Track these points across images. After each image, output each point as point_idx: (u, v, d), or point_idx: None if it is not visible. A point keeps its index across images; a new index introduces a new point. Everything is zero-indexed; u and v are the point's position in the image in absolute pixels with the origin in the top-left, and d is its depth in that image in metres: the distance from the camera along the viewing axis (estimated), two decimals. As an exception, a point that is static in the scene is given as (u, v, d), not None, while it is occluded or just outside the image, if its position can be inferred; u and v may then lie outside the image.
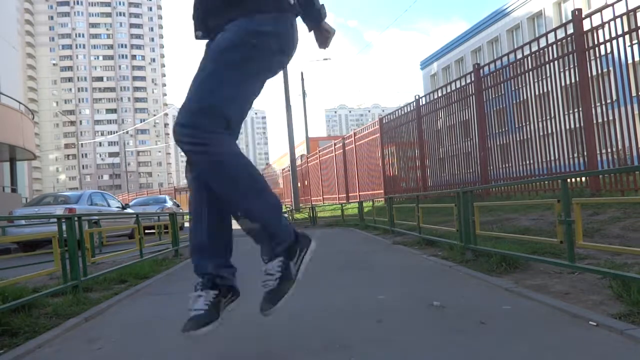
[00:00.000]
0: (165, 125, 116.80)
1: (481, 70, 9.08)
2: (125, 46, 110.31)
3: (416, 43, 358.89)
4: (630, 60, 5.78)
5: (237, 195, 1.75)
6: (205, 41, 1.91)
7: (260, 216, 1.76)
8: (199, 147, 1.68)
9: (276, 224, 1.79)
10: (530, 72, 7.55)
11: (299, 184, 20.79)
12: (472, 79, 9.21)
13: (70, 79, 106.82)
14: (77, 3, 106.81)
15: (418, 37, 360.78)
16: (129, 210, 11.45)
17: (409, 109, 12.33)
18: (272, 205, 1.79)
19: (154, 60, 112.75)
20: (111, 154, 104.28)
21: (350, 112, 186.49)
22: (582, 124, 6.50)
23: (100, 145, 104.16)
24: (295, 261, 1.80)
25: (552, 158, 7.15)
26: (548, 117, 7.24)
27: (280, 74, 1.98)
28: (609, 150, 6.19)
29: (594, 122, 6.35)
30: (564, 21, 11.64)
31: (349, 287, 3.30)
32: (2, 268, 3.47)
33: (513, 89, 8.17)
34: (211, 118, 1.68)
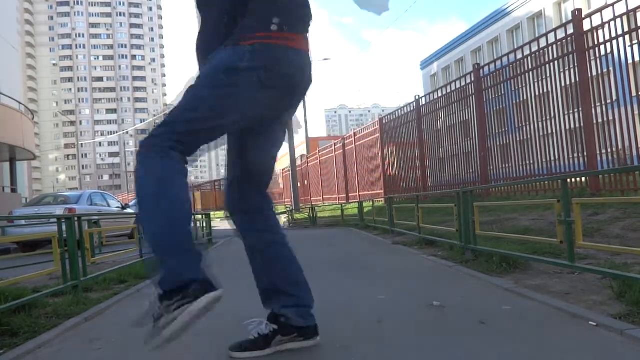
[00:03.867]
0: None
1: (481, 71, 9.08)
2: (125, 46, 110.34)
3: (414, 43, 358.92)
4: (630, 61, 5.78)
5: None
6: None
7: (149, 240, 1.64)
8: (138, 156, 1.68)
9: (159, 257, 1.62)
10: (530, 73, 7.55)
11: (298, 184, 20.78)
12: (472, 79, 9.21)
13: (70, 79, 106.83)
14: (77, 3, 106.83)
15: (416, 37, 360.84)
16: (128, 211, 11.45)
17: (409, 109, 12.33)
18: (155, 236, 1.62)
19: (154, 60, 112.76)
20: (111, 154, 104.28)
21: (350, 112, 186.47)
22: (582, 124, 6.50)
23: (100, 145, 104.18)
24: (168, 304, 1.59)
25: (552, 158, 7.15)
26: (548, 118, 7.24)
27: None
28: (609, 150, 6.19)
29: (594, 122, 6.35)
30: (564, 21, 11.64)
31: (348, 287, 3.30)
32: (2, 268, 3.46)
33: (513, 89, 8.17)
34: (162, 135, 1.65)
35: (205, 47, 1.81)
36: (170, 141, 1.63)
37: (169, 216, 1.60)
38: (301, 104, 2.05)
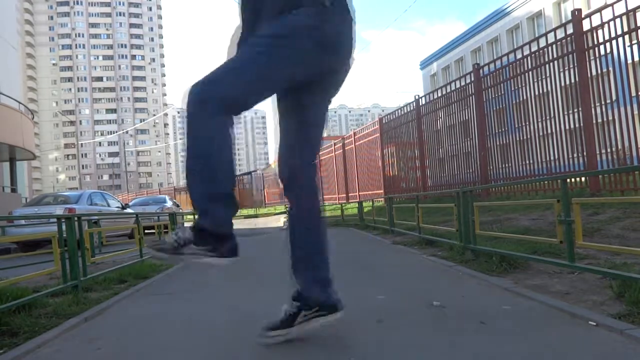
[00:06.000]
0: (165, 125, 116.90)
1: (481, 70, 9.08)
2: (125, 46, 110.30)
3: (412, 43, 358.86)
4: (629, 60, 5.78)
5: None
6: None
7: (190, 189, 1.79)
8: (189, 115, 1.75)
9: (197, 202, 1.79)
10: (530, 72, 7.55)
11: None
12: (472, 79, 9.21)
13: (70, 79, 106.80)
14: (77, 3, 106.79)
15: (414, 37, 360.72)
16: (128, 210, 11.45)
17: (408, 109, 12.32)
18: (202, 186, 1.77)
19: (153, 60, 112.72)
20: (111, 154, 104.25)
21: (349, 112, 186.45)
22: (581, 124, 6.50)
23: (100, 145, 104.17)
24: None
25: (552, 158, 7.15)
26: (548, 117, 7.24)
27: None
28: (609, 150, 6.19)
29: (594, 122, 6.36)
30: (563, 21, 11.64)
31: (348, 287, 3.29)
32: (2, 268, 3.47)
33: (513, 89, 8.17)
34: (215, 91, 1.74)
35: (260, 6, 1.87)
36: (224, 101, 1.73)
37: (222, 173, 1.77)
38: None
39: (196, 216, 1.81)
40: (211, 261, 1.79)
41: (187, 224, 1.67)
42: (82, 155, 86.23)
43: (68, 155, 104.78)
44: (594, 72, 6.31)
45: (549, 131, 7.24)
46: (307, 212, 2.07)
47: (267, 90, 1.89)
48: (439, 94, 10.80)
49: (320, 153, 19.85)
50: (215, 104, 1.72)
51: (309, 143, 2.06)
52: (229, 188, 1.80)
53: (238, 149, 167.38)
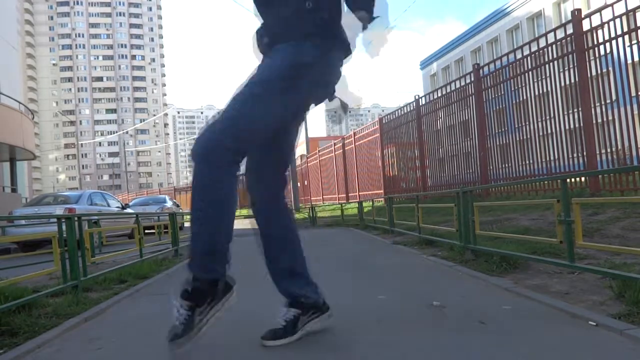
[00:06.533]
0: (165, 125, 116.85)
1: (481, 71, 9.08)
2: (125, 46, 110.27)
3: (412, 42, 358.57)
4: (629, 60, 5.78)
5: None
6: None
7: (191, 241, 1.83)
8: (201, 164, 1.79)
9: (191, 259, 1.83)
10: (530, 72, 7.56)
11: (298, 184, 20.78)
12: (472, 79, 9.21)
13: (70, 79, 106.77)
14: (77, 3, 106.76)
15: (414, 37, 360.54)
16: (128, 210, 11.45)
17: (408, 109, 12.33)
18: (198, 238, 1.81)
19: (153, 60, 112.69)
20: (111, 154, 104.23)
21: (350, 112, 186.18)
22: (581, 124, 6.50)
23: (100, 145, 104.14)
24: (201, 310, 1.80)
25: (552, 158, 7.15)
26: (548, 117, 7.24)
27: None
28: (609, 150, 6.19)
29: (594, 122, 6.36)
30: (563, 21, 11.64)
31: (348, 287, 3.30)
32: (2, 268, 3.47)
33: (513, 89, 8.17)
34: (227, 148, 1.77)
35: (279, 30, 1.94)
36: (232, 150, 1.78)
37: (222, 224, 1.81)
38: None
39: (189, 277, 1.82)
40: (217, 311, 1.82)
41: (176, 296, 1.70)
42: (82, 155, 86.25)
43: (68, 155, 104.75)
44: (593, 72, 6.31)
45: (549, 131, 7.24)
46: (282, 230, 2.10)
47: (269, 133, 1.93)
48: (439, 94, 10.80)
49: (320, 153, 19.82)
50: (220, 154, 1.76)
51: (277, 167, 2.10)
52: (229, 242, 1.83)
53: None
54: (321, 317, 2.08)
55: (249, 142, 1.84)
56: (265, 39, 2.00)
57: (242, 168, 1.95)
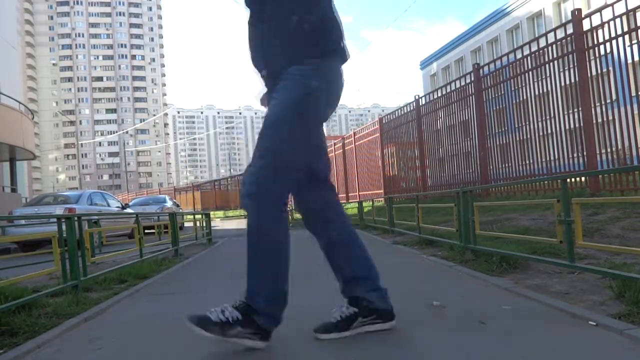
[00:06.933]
0: (165, 125, 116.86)
1: (481, 70, 9.08)
2: (125, 46, 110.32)
3: (412, 42, 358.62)
4: (630, 60, 5.78)
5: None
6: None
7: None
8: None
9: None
10: (530, 72, 7.56)
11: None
12: (472, 79, 9.21)
13: (70, 79, 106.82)
14: (77, 3, 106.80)
15: (414, 37, 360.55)
16: (128, 210, 11.45)
17: (408, 109, 12.33)
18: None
19: (153, 60, 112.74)
20: (111, 154, 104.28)
21: (349, 112, 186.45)
22: (581, 124, 6.50)
23: (100, 145, 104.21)
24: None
25: (552, 158, 7.15)
26: (548, 117, 7.24)
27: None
28: (609, 150, 6.19)
29: (594, 122, 6.36)
30: (563, 21, 11.64)
31: (348, 287, 3.30)
32: (2, 268, 3.47)
33: (513, 89, 8.17)
34: (272, 186, 1.86)
35: (269, 51, 1.99)
36: (281, 195, 1.89)
37: (284, 268, 1.92)
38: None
39: (246, 299, 1.88)
40: (253, 344, 1.86)
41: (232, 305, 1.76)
42: (82, 155, 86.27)
43: (68, 155, 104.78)
44: (594, 72, 6.31)
45: (549, 131, 7.24)
46: (344, 235, 2.14)
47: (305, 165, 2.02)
48: (439, 94, 10.80)
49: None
50: (271, 200, 1.86)
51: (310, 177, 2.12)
52: (287, 284, 1.91)
53: (238, 149, 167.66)
54: (381, 325, 2.04)
55: (292, 183, 1.96)
56: (264, 72, 2.03)
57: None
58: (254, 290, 1.87)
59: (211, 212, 13.40)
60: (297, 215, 13.82)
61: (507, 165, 8.39)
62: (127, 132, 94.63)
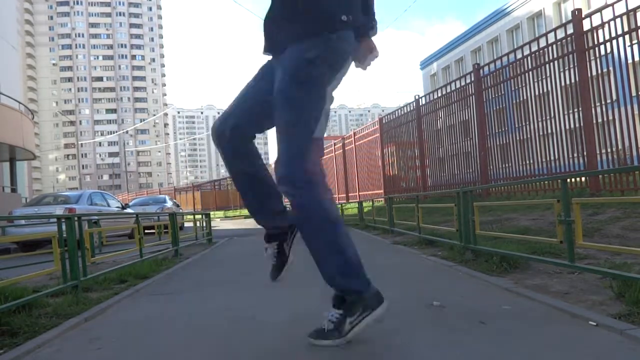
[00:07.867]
0: (165, 125, 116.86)
1: (481, 70, 9.08)
2: (125, 46, 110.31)
3: (412, 42, 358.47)
4: (630, 60, 5.78)
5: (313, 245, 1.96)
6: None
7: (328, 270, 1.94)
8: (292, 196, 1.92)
9: (344, 282, 1.93)
10: (530, 72, 7.56)
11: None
12: (472, 79, 9.21)
13: (70, 79, 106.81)
14: (77, 3, 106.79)
15: (413, 37, 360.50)
16: (128, 210, 11.45)
17: (408, 109, 12.33)
18: (343, 262, 1.93)
19: (153, 60, 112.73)
20: (111, 154, 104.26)
21: (349, 112, 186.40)
22: (581, 124, 6.50)
23: (100, 145, 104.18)
24: (352, 320, 1.91)
25: (552, 158, 7.15)
26: (548, 117, 7.24)
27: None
28: (609, 150, 6.19)
29: (594, 122, 6.36)
30: (563, 21, 11.64)
31: (349, 287, 3.30)
32: (2, 268, 3.47)
33: (513, 89, 8.17)
34: (301, 169, 1.88)
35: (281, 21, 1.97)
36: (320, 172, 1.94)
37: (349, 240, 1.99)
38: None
39: (337, 292, 1.94)
40: (372, 317, 1.93)
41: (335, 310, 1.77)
42: (82, 155, 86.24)
43: (68, 155, 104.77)
44: (594, 72, 6.31)
45: (549, 131, 7.24)
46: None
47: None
48: (439, 94, 10.81)
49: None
50: (311, 182, 1.89)
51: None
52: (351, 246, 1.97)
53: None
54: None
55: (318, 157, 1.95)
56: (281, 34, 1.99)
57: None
58: (328, 274, 1.93)
59: (211, 212, 13.40)
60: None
61: (507, 165, 8.39)
62: (127, 132, 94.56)
